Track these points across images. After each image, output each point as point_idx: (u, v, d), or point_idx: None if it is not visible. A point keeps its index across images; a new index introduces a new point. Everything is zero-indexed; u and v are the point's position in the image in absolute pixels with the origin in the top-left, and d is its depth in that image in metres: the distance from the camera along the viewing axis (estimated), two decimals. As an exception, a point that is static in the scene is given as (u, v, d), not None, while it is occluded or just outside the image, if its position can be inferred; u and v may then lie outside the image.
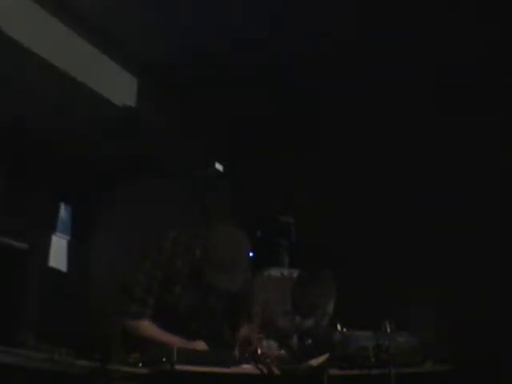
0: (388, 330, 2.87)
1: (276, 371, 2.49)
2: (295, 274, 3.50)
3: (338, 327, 3.05)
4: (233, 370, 2.37)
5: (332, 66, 4.88)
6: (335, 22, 4.39)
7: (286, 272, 3.58)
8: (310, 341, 2.94)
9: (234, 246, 2.66)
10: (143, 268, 2.69)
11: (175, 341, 2.50)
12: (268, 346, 2.72)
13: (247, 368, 2.45)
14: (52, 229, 5.47)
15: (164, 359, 2.17)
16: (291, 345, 3.51)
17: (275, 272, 3.63)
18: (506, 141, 5.04)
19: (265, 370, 2.45)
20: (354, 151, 5.60)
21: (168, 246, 2.73)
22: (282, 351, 2.97)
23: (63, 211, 5.69)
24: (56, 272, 5.28)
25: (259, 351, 2.54)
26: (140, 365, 2.22)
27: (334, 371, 2.60)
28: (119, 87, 4.88)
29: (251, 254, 5.51)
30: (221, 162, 5.89)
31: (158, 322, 2.64)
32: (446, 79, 4.96)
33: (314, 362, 2.60)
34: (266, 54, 4.79)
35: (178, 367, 2.15)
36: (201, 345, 2.55)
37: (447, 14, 4.26)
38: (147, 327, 2.63)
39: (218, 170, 5.87)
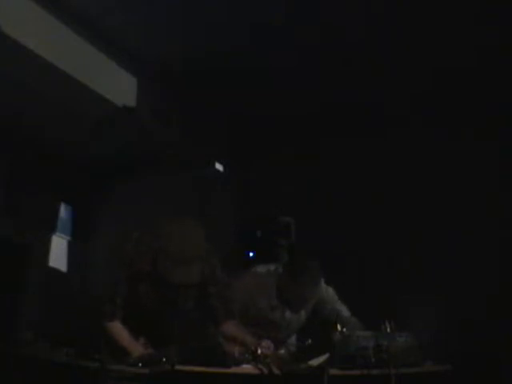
0: (388, 329, 2.87)
1: (276, 371, 2.49)
2: (281, 269, 3.49)
3: (338, 327, 3.05)
4: (233, 370, 2.37)
5: (332, 65, 4.88)
6: (335, 22, 4.39)
7: (272, 268, 3.58)
8: (309, 341, 2.94)
9: (188, 239, 2.65)
10: (110, 270, 2.72)
11: (136, 348, 2.52)
12: (267, 346, 2.72)
13: (247, 368, 2.45)
14: (52, 229, 5.48)
15: (164, 359, 2.17)
16: (288, 342, 3.51)
17: (261, 268, 3.63)
18: (507, 142, 5.05)
19: (265, 370, 2.46)
20: (355, 151, 5.60)
21: (131, 246, 2.75)
22: (282, 351, 2.97)
23: (63, 211, 5.69)
24: (56, 272, 5.29)
25: (259, 351, 2.54)
26: (140, 365, 2.23)
27: (334, 371, 2.60)
28: (119, 87, 4.87)
29: (251, 254, 5.54)
30: (221, 162, 5.89)
31: (130, 324, 2.66)
32: (445, 80, 4.96)
33: (314, 362, 2.60)
34: (266, 54, 4.79)
35: (178, 367, 2.15)
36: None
37: (447, 14, 4.26)
38: (116, 329, 2.65)
39: (218, 170, 5.87)
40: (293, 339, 3.62)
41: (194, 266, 2.62)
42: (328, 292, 3.61)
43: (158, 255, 2.63)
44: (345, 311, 3.56)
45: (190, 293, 2.80)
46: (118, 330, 2.65)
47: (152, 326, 2.73)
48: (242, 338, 2.76)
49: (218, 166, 5.87)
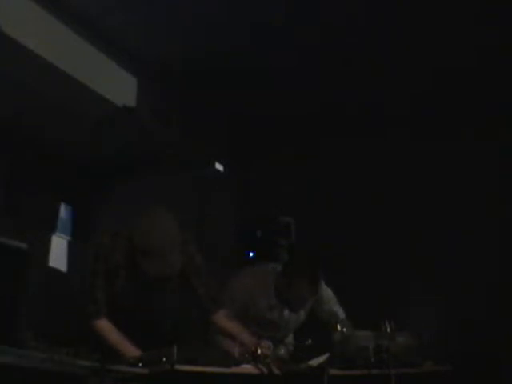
0: (388, 329, 2.87)
1: (276, 371, 2.49)
2: (279, 268, 3.49)
3: (338, 327, 3.05)
4: (233, 369, 2.37)
5: (332, 65, 4.88)
6: (335, 22, 4.38)
7: (271, 266, 3.58)
8: (309, 341, 2.94)
9: (161, 230, 2.64)
10: (89, 267, 2.72)
11: (127, 349, 2.52)
12: (267, 346, 2.72)
13: (247, 368, 2.45)
14: (52, 229, 5.47)
15: (164, 359, 2.17)
16: (287, 342, 3.52)
17: (260, 267, 3.63)
18: (507, 142, 5.05)
19: (265, 370, 2.45)
20: (355, 151, 5.60)
21: (107, 241, 2.75)
22: (282, 351, 2.97)
23: (63, 211, 5.69)
24: (56, 272, 5.28)
25: (259, 351, 2.54)
26: (140, 365, 2.23)
27: (334, 371, 2.60)
28: (119, 87, 4.87)
29: (251, 254, 5.53)
30: (221, 162, 5.89)
31: (114, 321, 2.65)
32: (445, 80, 4.96)
33: (314, 361, 2.61)
34: (266, 54, 4.79)
35: (178, 367, 2.15)
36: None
37: (447, 14, 4.26)
38: (104, 328, 2.65)
39: (218, 170, 5.87)
40: (290, 338, 3.62)
41: (170, 257, 2.60)
42: (327, 292, 3.61)
43: (134, 249, 2.63)
44: (340, 313, 3.57)
45: (170, 285, 2.79)
46: (105, 327, 2.64)
47: (135, 322, 2.72)
48: (238, 336, 2.76)
49: (218, 166, 5.87)
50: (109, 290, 2.69)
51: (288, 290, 3.35)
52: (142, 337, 2.61)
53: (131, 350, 2.49)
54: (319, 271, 3.38)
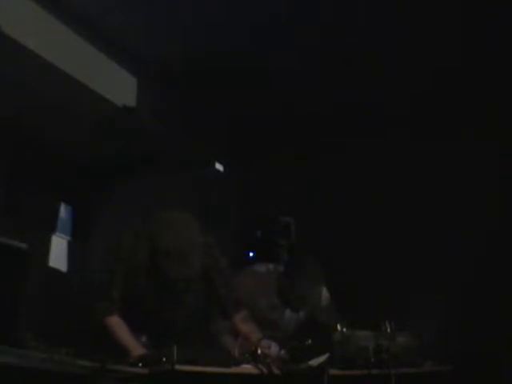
0: (388, 330, 2.87)
1: (276, 371, 2.49)
2: (281, 268, 3.50)
3: (338, 327, 3.05)
4: (233, 369, 2.37)
5: (332, 65, 4.88)
6: (335, 22, 4.38)
7: (271, 266, 3.58)
8: (309, 341, 2.94)
9: (182, 233, 2.65)
10: (106, 264, 2.72)
11: (134, 347, 2.51)
12: (268, 346, 2.72)
13: (247, 368, 2.45)
14: (52, 229, 5.47)
15: (164, 359, 2.17)
16: (288, 342, 3.51)
17: (260, 267, 3.64)
18: (507, 142, 5.05)
19: (265, 370, 2.45)
20: (355, 151, 5.60)
21: (128, 239, 2.75)
22: (282, 351, 2.97)
23: (63, 211, 5.68)
24: (56, 272, 5.28)
25: (259, 351, 2.54)
26: (140, 365, 2.23)
27: (334, 371, 2.60)
28: (119, 87, 4.87)
29: (251, 254, 5.53)
30: (221, 162, 5.89)
31: (130, 320, 2.65)
32: (445, 80, 4.96)
33: (314, 362, 2.61)
34: (266, 54, 4.79)
35: (178, 367, 2.15)
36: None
37: (447, 14, 4.26)
38: (115, 324, 2.64)
39: (218, 170, 5.87)
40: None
41: (191, 259, 2.61)
42: (326, 295, 3.62)
43: (155, 250, 2.63)
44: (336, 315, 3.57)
45: (192, 287, 2.79)
46: (117, 324, 2.64)
47: (153, 321, 2.73)
48: (251, 337, 2.77)
49: (218, 166, 5.87)
50: (126, 289, 2.69)
51: (289, 289, 3.36)
52: (155, 336, 2.62)
53: (138, 348, 2.49)
54: (320, 272, 3.38)
